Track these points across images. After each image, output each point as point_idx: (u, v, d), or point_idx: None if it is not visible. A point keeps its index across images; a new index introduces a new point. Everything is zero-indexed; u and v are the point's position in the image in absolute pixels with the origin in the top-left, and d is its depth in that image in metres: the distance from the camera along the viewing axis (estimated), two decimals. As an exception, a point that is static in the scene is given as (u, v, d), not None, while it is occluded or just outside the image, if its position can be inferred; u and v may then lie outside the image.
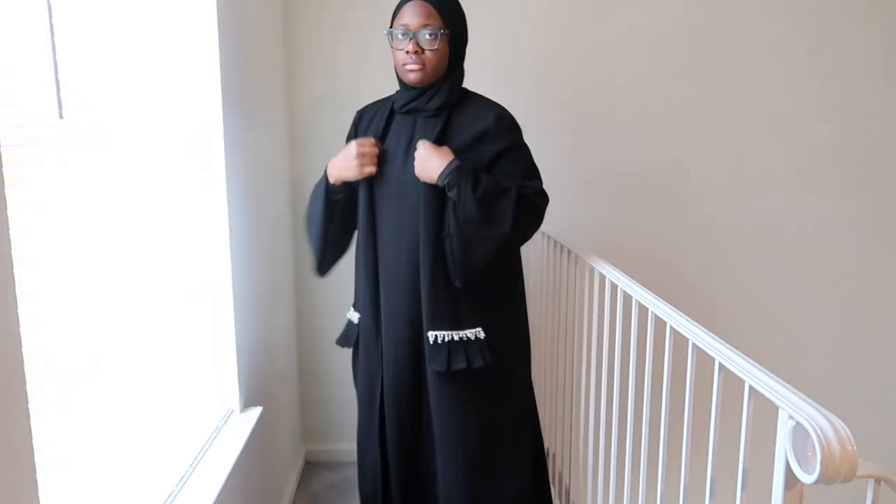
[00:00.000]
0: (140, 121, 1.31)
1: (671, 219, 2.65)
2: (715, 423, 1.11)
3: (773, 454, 0.89)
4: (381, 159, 1.63)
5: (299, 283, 2.64)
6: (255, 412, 1.84)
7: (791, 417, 0.85)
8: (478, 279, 1.56)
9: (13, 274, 0.79)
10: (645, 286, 1.42)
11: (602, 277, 1.65)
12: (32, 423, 0.83)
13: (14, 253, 0.80)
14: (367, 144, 1.61)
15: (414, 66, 1.55)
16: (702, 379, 1.17)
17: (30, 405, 0.83)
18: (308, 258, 2.61)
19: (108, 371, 1.14)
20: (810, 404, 0.83)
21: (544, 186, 1.63)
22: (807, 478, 0.80)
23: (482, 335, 1.59)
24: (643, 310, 1.39)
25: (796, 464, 0.83)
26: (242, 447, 1.65)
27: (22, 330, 0.80)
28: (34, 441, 0.83)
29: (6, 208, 0.78)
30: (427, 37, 1.54)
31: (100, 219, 1.13)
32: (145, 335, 1.30)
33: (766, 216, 2.67)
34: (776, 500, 0.89)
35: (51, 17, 0.98)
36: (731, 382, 1.06)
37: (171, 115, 1.47)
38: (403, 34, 1.55)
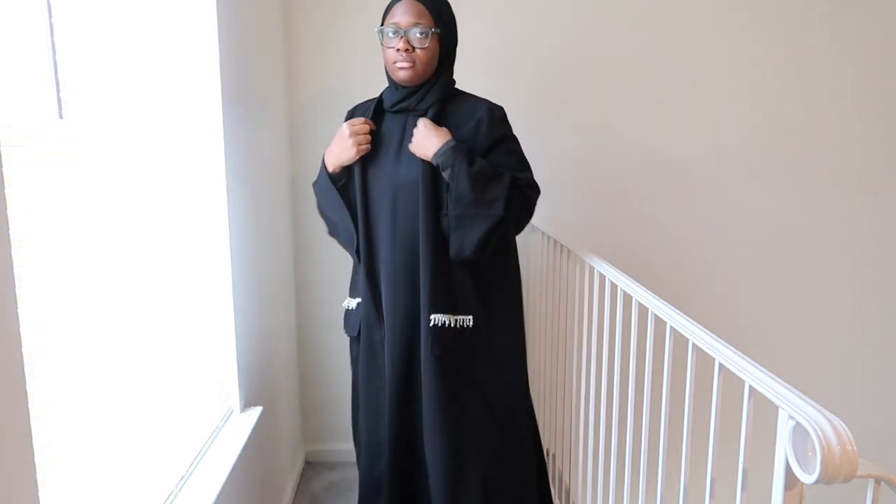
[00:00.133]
0: (140, 121, 1.31)
1: (670, 218, 2.65)
2: (715, 423, 1.11)
3: (773, 454, 0.89)
4: (374, 153, 1.65)
5: (299, 282, 2.64)
6: (255, 412, 1.84)
7: (791, 417, 0.85)
8: (473, 260, 1.58)
9: (13, 274, 0.79)
10: (644, 286, 1.42)
11: (602, 277, 1.65)
12: (32, 423, 0.83)
13: (14, 253, 0.80)
14: (358, 123, 1.64)
15: (404, 64, 1.57)
16: (702, 379, 1.17)
17: (30, 405, 0.83)
18: (307, 259, 2.63)
19: (107, 371, 1.14)
20: (810, 404, 0.83)
21: (544, 186, 1.64)
22: (807, 478, 0.80)
23: (473, 322, 1.62)
24: (643, 310, 1.39)
25: (796, 464, 0.83)
26: (242, 447, 1.65)
27: (22, 330, 0.80)
28: (34, 441, 0.83)
29: (6, 208, 0.78)
30: (418, 35, 1.56)
31: (100, 218, 1.13)
32: (145, 335, 1.30)
33: (767, 216, 2.67)
34: (776, 500, 0.89)
35: (51, 17, 0.98)
36: (731, 382, 1.06)
37: (171, 115, 1.47)
38: (394, 32, 1.57)
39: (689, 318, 1.20)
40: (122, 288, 1.21)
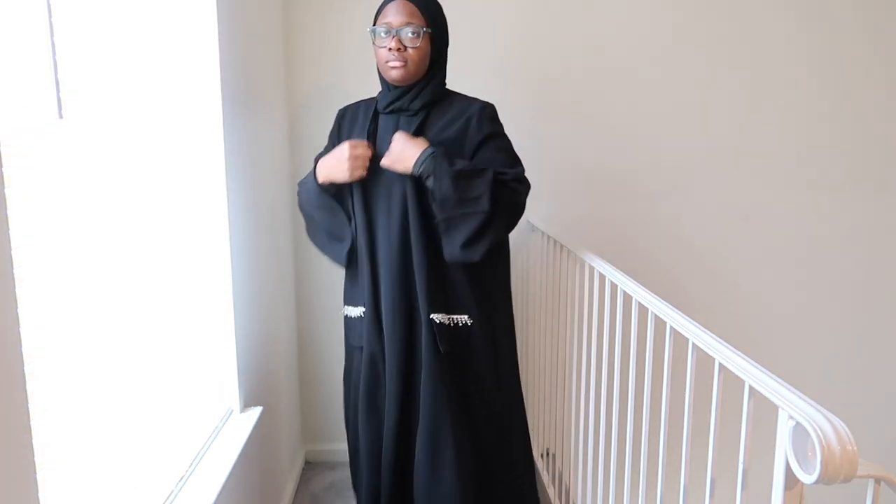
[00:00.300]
0: (140, 121, 1.31)
1: (670, 218, 2.65)
2: (715, 423, 1.11)
3: (773, 454, 0.89)
4: (373, 161, 1.65)
5: (299, 282, 2.64)
6: (255, 412, 1.84)
7: (791, 417, 0.85)
8: (468, 261, 1.60)
9: (13, 274, 0.79)
10: (644, 285, 1.42)
11: (602, 277, 1.66)
12: (32, 423, 0.83)
13: (14, 253, 0.80)
14: (361, 147, 1.62)
15: (396, 63, 1.58)
16: (702, 379, 1.17)
17: (30, 405, 0.83)
18: (307, 258, 2.63)
19: (107, 371, 1.14)
20: (810, 404, 0.83)
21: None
22: (807, 478, 0.80)
23: (470, 321, 1.65)
24: (643, 309, 1.39)
25: (796, 464, 0.83)
26: (242, 447, 1.65)
27: (22, 330, 0.80)
28: (34, 441, 0.83)
29: (6, 208, 0.78)
30: (410, 35, 1.57)
31: (100, 219, 1.13)
32: (145, 335, 1.30)
33: (766, 215, 2.67)
34: (776, 500, 0.89)
35: (51, 17, 0.98)
36: (731, 382, 1.06)
37: (171, 115, 1.47)
38: (386, 32, 1.58)
39: (689, 318, 1.20)
40: (122, 288, 1.21)
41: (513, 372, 1.82)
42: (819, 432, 0.78)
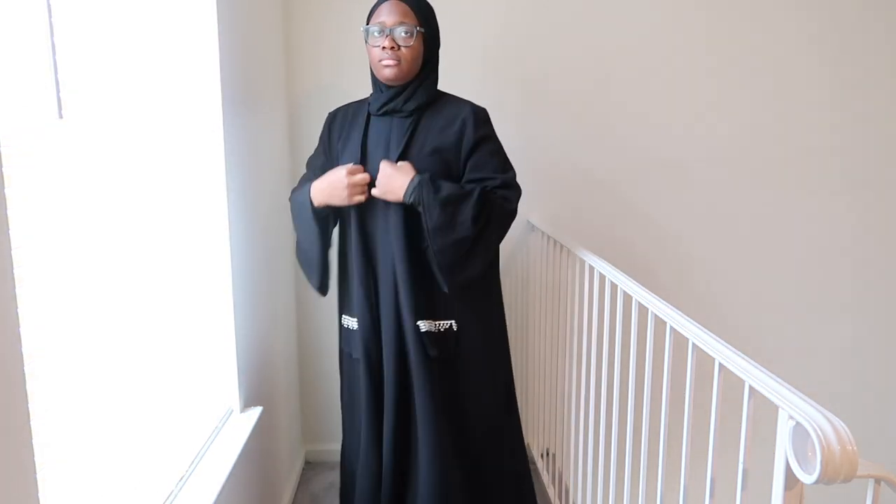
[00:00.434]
0: (140, 121, 1.31)
1: (669, 217, 2.65)
2: (715, 423, 1.11)
3: (773, 454, 0.89)
4: (364, 161, 1.66)
5: (299, 282, 2.63)
6: (255, 412, 1.84)
7: (791, 417, 0.85)
8: (470, 283, 1.61)
9: (13, 274, 0.79)
10: (644, 285, 1.42)
11: (602, 277, 1.66)
12: (32, 423, 0.83)
13: (14, 253, 0.80)
14: (359, 172, 1.62)
15: (390, 62, 1.59)
16: (702, 379, 1.17)
17: (30, 405, 0.83)
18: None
19: (107, 371, 1.14)
20: (810, 404, 0.83)
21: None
22: (807, 478, 0.80)
23: (456, 326, 1.67)
24: (643, 309, 1.39)
25: (796, 464, 0.83)
26: (242, 447, 1.65)
27: (22, 330, 0.80)
28: (34, 441, 0.83)
29: (6, 208, 0.78)
30: (403, 34, 1.58)
31: (100, 219, 1.13)
32: (145, 335, 1.30)
33: (766, 215, 2.67)
34: (776, 500, 0.89)
35: (51, 17, 0.98)
36: (731, 382, 1.06)
37: (172, 115, 1.47)
38: (379, 31, 1.59)
39: (689, 318, 1.20)
40: (122, 288, 1.21)
41: (505, 372, 1.83)
42: (819, 432, 0.78)
